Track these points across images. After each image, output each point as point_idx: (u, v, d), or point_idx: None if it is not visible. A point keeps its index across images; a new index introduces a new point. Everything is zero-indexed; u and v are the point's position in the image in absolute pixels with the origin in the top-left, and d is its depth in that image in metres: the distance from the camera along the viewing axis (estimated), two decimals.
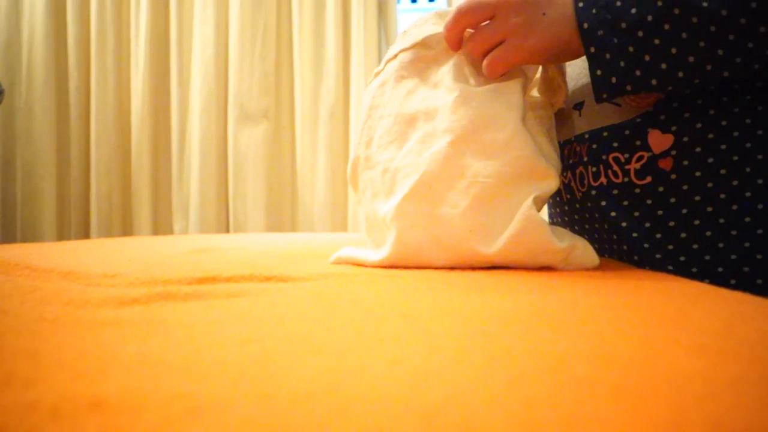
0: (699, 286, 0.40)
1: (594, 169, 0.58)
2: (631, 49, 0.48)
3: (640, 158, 0.55)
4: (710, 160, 0.53)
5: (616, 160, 0.57)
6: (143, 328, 0.26)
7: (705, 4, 0.46)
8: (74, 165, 2.35)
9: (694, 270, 0.54)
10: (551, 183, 0.50)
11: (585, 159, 0.60)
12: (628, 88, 0.50)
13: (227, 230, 2.29)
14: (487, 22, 0.53)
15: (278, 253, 0.72)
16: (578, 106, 0.62)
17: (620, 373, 0.19)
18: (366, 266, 0.55)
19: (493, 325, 0.27)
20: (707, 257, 0.53)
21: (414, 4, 2.44)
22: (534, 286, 0.40)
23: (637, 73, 0.49)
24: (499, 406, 0.15)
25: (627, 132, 0.56)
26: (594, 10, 0.50)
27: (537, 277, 0.45)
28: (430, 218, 0.51)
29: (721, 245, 0.53)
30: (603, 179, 0.58)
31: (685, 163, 0.53)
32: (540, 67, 0.59)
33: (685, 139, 0.53)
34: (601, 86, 0.51)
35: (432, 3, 2.42)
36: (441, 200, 0.51)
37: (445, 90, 0.54)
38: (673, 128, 0.54)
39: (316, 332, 0.26)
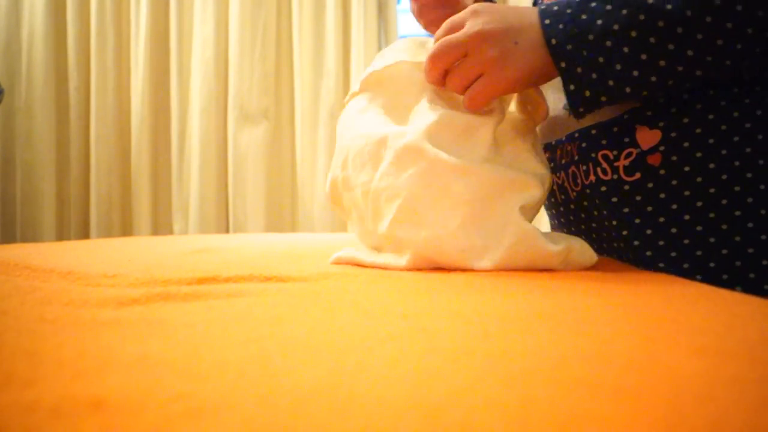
0: (698, 287, 0.40)
1: (584, 167, 0.59)
2: (601, 59, 0.49)
3: (628, 155, 0.55)
4: (699, 155, 0.52)
5: (605, 157, 0.57)
6: (143, 328, 0.26)
7: (669, 7, 0.47)
8: (74, 165, 2.35)
9: (686, 266, 0.54)
10: (535, 192, 0.50)
11: (576, 158, 0.60)
12: (603, 98, 0.50)
13: (227, 230, 2.29)
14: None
15: (278, 253, 0.72)
16: (567, 105, 0.62)
17: (620, 373, 0.19)
18: (366, 267, 0.55)
19: (492, 325, 0.27)
20: (699, 252, 0.53)
21: None
22: (533, 287, 0.40)
23: (610, 83, 0.49)
24: (498, 406, 0.15)
25: (615, 129, 0.56)
26: (561, 26, 0.50)
27: (536, 277, 0.45)
28: (422, 242, 0.50)
29: (712, 240, 0.53)
30: (593, 177, 0.58)
31: (674, 158, 0.53)
32: None
33: (673, 134, 0.53)
34: (576, 100, 0.51)
35: None
36: (429, 223, 0.50)
37: (418, 113, 0.54)
38: (661, 124, 0.54)
39: (315, 332, 0.26)
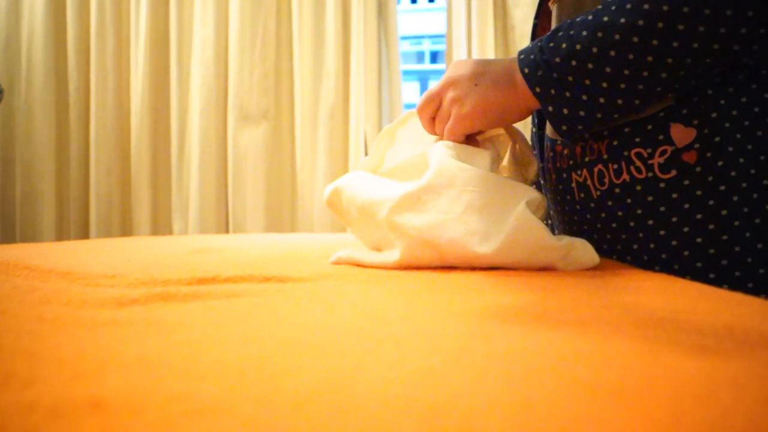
0: (699, 287, 0.40)
1: (615, 165, 0.59)
2: (570, 78, 0.54)
3: (663, 152, 0.56)
4: (730, 149, 0.54)
5: (639, 155, 0.57)
6: (142, 328, 0.26)
7: (623, 20, 0.51)
8: (73, 165, 2.35)
9: (724, 263, 0.55)
10: (538, 198, 0.53)
11: (605, 156, 0.60)
12: (582, 113, 0.55)
13: (226, 230, 2.29)
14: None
15: (277, 253, 0.72)
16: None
17: (620, 373, 0.19)
18: (366, 267, 0.55)
19: (493, 325, 0.27)
20: (737, 248, 0.54)
21: (414, 5, 2.44)
22: (534, 287, 0.40)
23: (584, 97, 0.54)
24: (498, 406, 0.15)
25: (649, 127, 0.57)
26: (531, 56, 0.56)
27: (537, 277, 0.45)
28: (423, 226, 0.51)
29: (748, 235, 0.54)
30: (626, 176, 0.58)
31: (708, 154, 0.55)
32: (509, 144, 0.63)
33: (706, 131, 0.55)
34: (557, 119, 0.56)
35: (432, 3, 2.42)
36: (432, 209, 0.51)
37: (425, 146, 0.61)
38: (695, 122, 0.55)
39: (315, 333, 0.26)
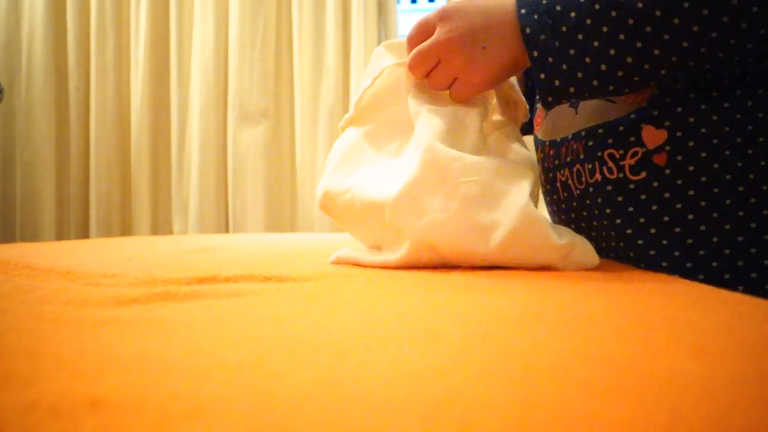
0: (698, 287, 0.40)
1: (590, 166, 0.59)
2: (572, 51, 0.50)
3: (634, 154, 0.56)
4: (703, 155, 0.53)
5: (611, 156, 0.57)
6: (142, 327, 0.26)
7: (640, 5, 0.48)
8: (73, 164, 2.35)
9: (689, 265, 0.54)
10: (531, 175, 0.51)
11: (581, 156, 0.60)
12: (571, 90, 0.52)
13: (226, 230, 2.29)
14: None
15: (277, 253, 0.72)
16: (574, 103, 0.63)
17: (619, 373, 0.19)
18: (365, 266, 0.55)
19: (492, 325, 0.27)
20: (701, 252, 0.54)
21: (414, 5, 2.44)
22: (534, 287, 0.40)
23: (579, 75, 0.51)
24: (498, 406, 0.15)
25: (621, 128, 0.57)
26: (536, 16, 0.51)
27: (537, 277, 0.45)
28: (422, 228, 0.50)
29: (715, 240, 0.53)
30: (598, 176, 0.58)
31: (679, 158, 0.54)
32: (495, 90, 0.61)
33: (679, 134, 0.54)
34: (546, 90, 0.52)
35: (432, 3, 2.42)
36: (428, 209, 0.50)
37: (413, 138, 0.56)
38: (667, 124, 0.54)
39: (315, 332, 0.26)
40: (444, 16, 0.55)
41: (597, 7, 0.49)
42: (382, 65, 0.61)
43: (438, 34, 0.55)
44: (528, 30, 0.51)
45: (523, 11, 0.52)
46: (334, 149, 0.64)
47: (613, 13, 0.49)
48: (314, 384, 0.18)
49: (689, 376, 0.18)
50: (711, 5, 0.47)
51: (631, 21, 0.48)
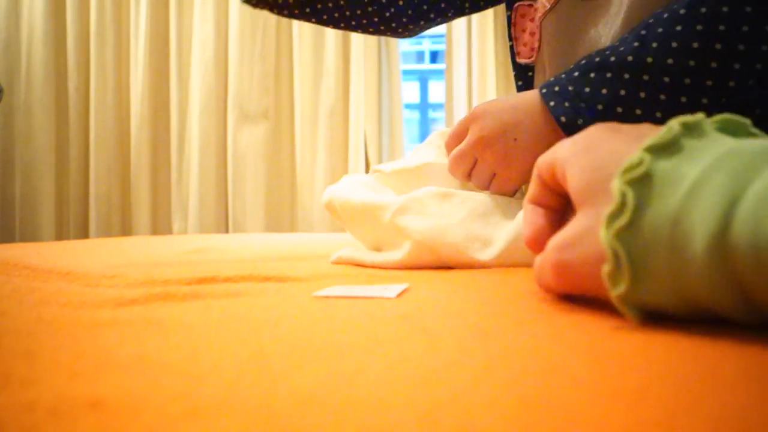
0: None
1: None
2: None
3: None
4: None
5: None
6: (142, 328, 0.26)
7: (670, 61, 0.47)
8: (73, 165, 2.35)
9: None
10: None
11: None
12: None
13: (226, 230, 2.29)
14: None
15: (277, 253, 0.72)
16: None
17: (620, 373, 0.19)
18: (366, 267, 0.55)
19: (492, 325, 0.27)
20: None
21: None
22: (533, 287, 0.40)
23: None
24: (497, 406, 0.15)
25: None
26: (566, 104, 0.51)
27: None
28: (426, 230, 0.51)
29: None
30: None
31: None
32: None
33: None
34: None
35: None
36: (435, 213, 0.52)
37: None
38: None
39: (315, 333, 0.26)
40: (475, 117, 0.56)
41: (627, 76, 0.48)
42: (424, 159, 0.61)
43: (470, 134, 0.56)
44: (564, 119, 0.51)
45: (552, 103, 0.52)
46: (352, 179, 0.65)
47: (646, 77, 0.48)
48: (314, 384, 0.18)
49: (689, 375, 0.18)
50: (743, 53, 0.46)
51: (667, 79, 0.47)
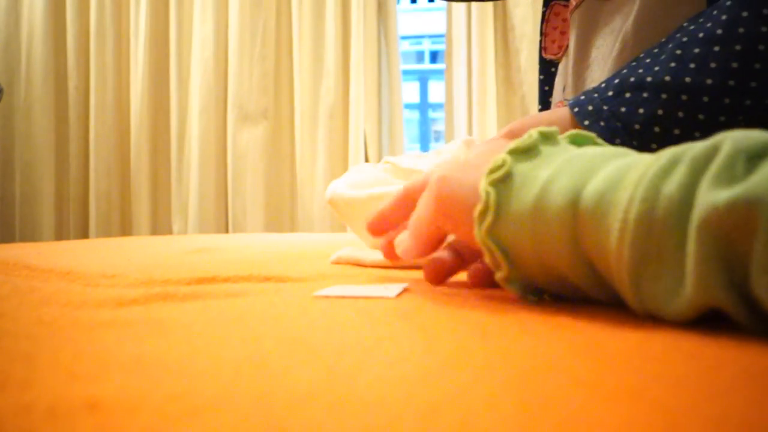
0: None
1: None
2: (654, 146, 0.48)
3: None
4: None
5: None
6: (141, 328, 0.26)
7: (709, 82, 0.47)
8: (73, 164, 2.35)
9: None
10: None
11: None
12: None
13: (226, 230, 2.29)
14: None
15: (277, 253, 0.72)
16: None
17: (619, 373, 0.19)
18: (366, 266, 0.55)
19: (491, 324, 0.27)
20: None
21: (414, 5, 2.44)
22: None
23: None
24: (497, 405, 0.15)
25: None
26: (602, 123, 0.50)
27: None
28: None
29: None
30: None
31: None
32: None
33: None
34: None
35: (432, 3, 2.42)
36: None
37: None
38: None
39: (314, 332, 0.26)
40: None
41: (665, 96, 0.48)
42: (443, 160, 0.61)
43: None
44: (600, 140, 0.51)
45: (586, 122, 0.50)
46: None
47: (684, 97, 0.47)
48: (313, 384, 0.18)
49: (689, 376, 0.18)
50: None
51: (706, 99, 0.47)
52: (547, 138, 0.32)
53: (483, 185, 0.30)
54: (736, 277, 0.22)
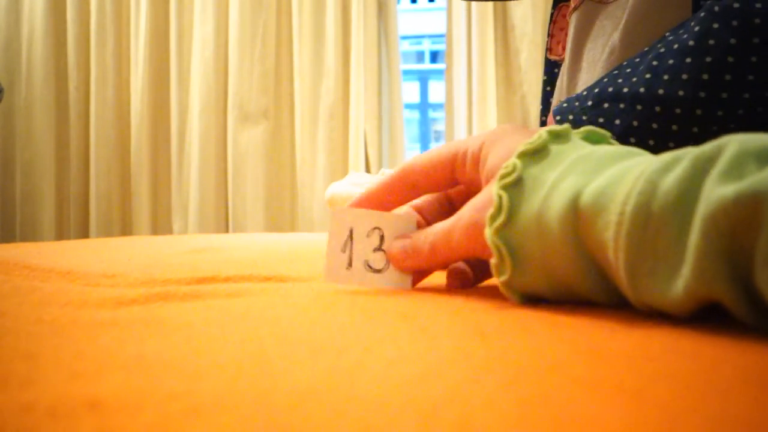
0: None
1: None
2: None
3: None
4: None
5: None
6: (141, 328, 0.26)
7: (681, 93, 0.47)
8: (73, 164, 2.35)
9: None
10: None
11: None
12: None
13: (226, 230, 2.29)
14: None
15: (277, 253, 0.72)
16: None
17: (619, 373, 0.19)
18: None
19: (491, 324, 0.27)
20: None
21: (414, 4, 2.44)
22: None
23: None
24: (496, 406, 0.15)
25: None
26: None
27: None
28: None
29: None
30: None
31: None
32: None
33: None
34: None
35: (432, 3, 2.42)
36: None
37: None
38: None
39: (314, 332, 0.26)
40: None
41: (639, 107, 0.48)
42: None
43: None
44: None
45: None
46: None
47: (658, 108, 0.48)
48: (313, 383, 0.18)
49: (689, 376, 0.18)
50: (752, 83, 0.46)
51: (678, 110, 0.47)
52: (557, 136, 0.32)
53: (495, 189, 0.30)
54: (739, 270, 0.22)
